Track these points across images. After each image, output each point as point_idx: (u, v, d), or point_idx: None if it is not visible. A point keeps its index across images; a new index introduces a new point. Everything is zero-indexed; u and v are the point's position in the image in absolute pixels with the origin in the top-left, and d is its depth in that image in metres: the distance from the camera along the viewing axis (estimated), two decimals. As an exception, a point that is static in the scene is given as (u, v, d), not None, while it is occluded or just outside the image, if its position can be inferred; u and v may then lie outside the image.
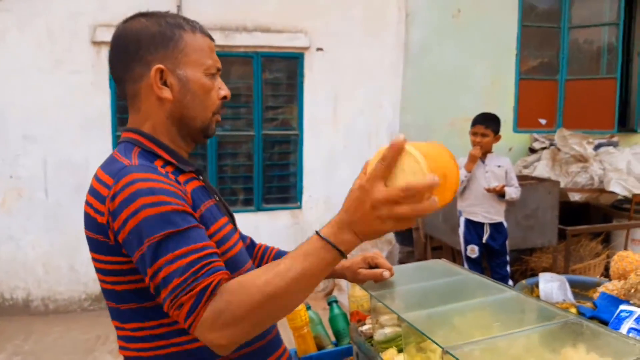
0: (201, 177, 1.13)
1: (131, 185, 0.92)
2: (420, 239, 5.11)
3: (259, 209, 4.92)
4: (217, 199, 1.14)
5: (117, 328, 1.05)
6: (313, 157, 4.99)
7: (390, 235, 4.98)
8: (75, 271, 4.55)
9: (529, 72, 5.62)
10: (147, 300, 0.98)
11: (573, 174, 4.89)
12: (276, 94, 4.98)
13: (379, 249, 4.77)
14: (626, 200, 4.93)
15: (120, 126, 4.55)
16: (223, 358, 1.01)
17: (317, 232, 0.89)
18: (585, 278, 1.89)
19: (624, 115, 5.78)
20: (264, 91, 4.86)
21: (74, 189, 4.40)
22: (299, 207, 5.01)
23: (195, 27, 1.09)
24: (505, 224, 3.78)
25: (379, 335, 1.31)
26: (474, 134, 3.69)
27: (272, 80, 4.93)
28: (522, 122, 5.53)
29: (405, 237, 5.01)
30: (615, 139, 5.29)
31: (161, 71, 1.04)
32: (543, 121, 5.62)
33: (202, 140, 1.14)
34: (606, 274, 3.90)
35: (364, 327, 1.48)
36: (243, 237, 1.30)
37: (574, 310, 1.53)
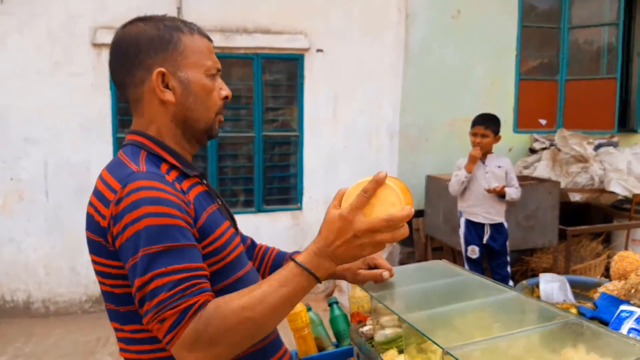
0: (205, 182, 1.13)
1: (137, 192, 0.93)
2: (421, 240, 5.11)
3: (259, 210, 4.92)
4: (220, 202, 1.15)
5: (117, 330, 1.06)
6: (313, 158, 4.99)
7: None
8: (76, 273, 4.55)
9: (529, 72, 5.62)
10: None
11: (573, 174, 4.89)
12: (276, 95, 4.99)
13: (380, 249, 4.77)
14: (626, 200, 4.93)
15: (120, 128, 4.55)
16: None
17: (293, 259, 0.93)
18: (586, 278, 1.89)
19: (624, 115, 5.78)
20: (264, 92, 4.87)
21: (74, 191, 4.40)
22: (300, 209, 5.01)
23: (193, 29, 1.09)
24: (505, 224, 3.78)
25: (379, 336, 1.31)
26: (473, 134, 3.69)
27: (273, 82, 4.94)
28: (522, 123, 5.53)
29: (405, 238, 5.01)
30: (615, 139, 5.29)
31: (163, 74, 1.05)
32: (543, 121, 5.62)
33: (206, 141, 1.15)
34: (607, 274, 3.90)
35: (365, 328, 1.48)
36: (244, 238, 1.30)
37: (574, 310, 1.53)
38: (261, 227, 4.80)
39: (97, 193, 1.00)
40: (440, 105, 5.24)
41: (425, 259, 4.90)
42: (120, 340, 1.06)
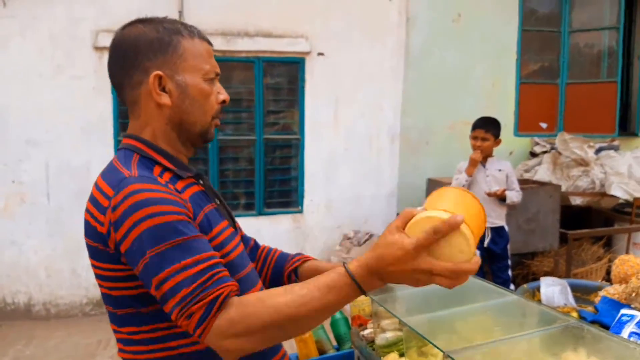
0: (201, 182, 1.13)
1: (131, 196, 0.93)
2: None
3: (260, 213, 4.92)
4: (218, 202, 1.15)
5: (115, 331, 1.07)
6: (314, 161, 5.00)
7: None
8: (77, 275, 4.55)
9: (530, 76, 5.63)
10: (143, 305, 0.99)
11: (574, 178, 4.89)
12: (277, 98, 4.99)
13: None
14: (627, 204, 4.93)
15: (122, 131, 4.56)
16: None
17: (345, 267, 0.90)
18: (587, 282, 1.89)
19: (625, 119, 5.79)
20: (266, 96, 4.88)
21: (75, 193, 4.41)
22: (301, 212, 5.01)
23: (193, 32, 1.09)
24: (506, 227, 3.78)
25: (380, 339, 1.31)
26: (474, 138, 3.70)
27: (274, 85, 4.95)
28: (523, 126, 5.53)
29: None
30: (616, 142, 5.29)
31: (160, 77, 1.05)
32: (544, 125, 5.62)
33: (201, 145, 1.15)
34: (608, 277, 3.89)
35: (366, 332, 1.48)
36: (247, 239, 1.30)
37: (575, 314, 1.53)
38: (262, 230, 4.80)
39: (92, 199, 1.01)
40: (440, 108, 5.24)
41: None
42: (118, 341, 1.07)
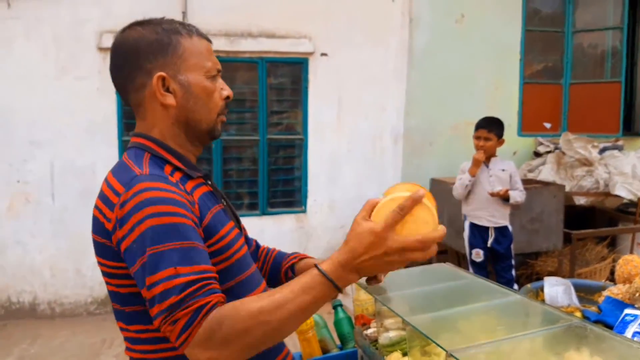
0: (209, 182, 1.14)
1: (140, 194, 0.94)
2: (425, 243, 5.09)
3: (263, 213, 4.93)
4: (225, 203, 1.15)
5: (122, 329, 1.07)
6: (317, 162, 5.00)
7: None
8: (82, 275, 4.57)
9: (533, 76, 5.62)
10: None
11: (578, 178, 4.88)
12: (281, 98, 5.00)
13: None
14: (631, 204, 4.92)
15: (125, 131, 4.58)
16: None
17: (317, 267, 0.91)
18: (591, 282, 1.89)
19: (629, 118, 5.77)
20: (269, 96, 4.89)
21: (80, 193, 4.43)
22: (304, 211, 5.02)
23: (191, 30, 1.09)
24: (510, 227, 3.78)
25: (383, 338, 1.31)
26: (477, 138, 3.69)
27: (277, 85, 4.96)
28: (527, 126, 5.52)
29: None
30: (620, 142, 5.28)
31: (163, 78, 1.05)
32: (548, 125, 5.61)
33: (209, 142, 1.15)
34: (612, 277, 3.88)
35: (369, 331, 1.49)
36: (249, 241, 1.31)
37: (578, 314, 1.53)
38: (265, 230, 4.82)
39: (102, 196, 1.02)
40: (444, 108, 5.24)
41: (430, 262, 4.89)
42: (126, 339, 1.07)
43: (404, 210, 0.87)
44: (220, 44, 4.54)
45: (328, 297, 0.92)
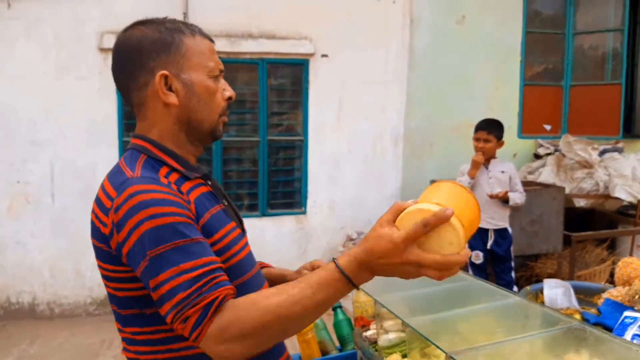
0: (209, 182, 1.13)
1: (133, 197, 0.94)
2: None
3: (263, 214, 4.93)
4: (226, 203, 1.15)
5: (119, 330, 1.08)
6: (318, 163, 5.00)
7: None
8: (81, 275, 4.57)
9: (534, 77, 5.62)
10: (146, 307, 0.99)
11: (578, 180, 4.88)
12: (281, 99, 5.01)
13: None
14: (631, 206, 4.91)
15: (126, 132, 4.58)
16: None
17: (335, 262, 0.90)
18: (590, 284, 1.89)
19: (629, 121, 5.77)
20: (269, 97, 4.89)
21: (80, 194, 4.43)
22: (304, 213, 5.02)
23: (194, 30, 1.09)
24: (509, 229, 3.77)
25: (383, 340, 1.31)
26: (476, 139, 3.70)
27: (278, 86, 4.96)
28: (527, 128, 5.52)
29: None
30: (620, 144, 5.28)
31: (165, 77, 1.05)
32: (548, 127, 5.61)
33: (210, 143, 1.15)
34: (612, 280, 3.88)
35: (368, 333, 1.49)
36: None
37: (578, 316, 1.53)
38: (265, 231, 4.81)
39: (97, 200, 1.02)
40: (444, 110, 5.24)
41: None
42: (123, 339, 1.08)
43: (427, 227, 0.83)
44: (220, 45, 4.53)
45: (343, 293, 0.91)
